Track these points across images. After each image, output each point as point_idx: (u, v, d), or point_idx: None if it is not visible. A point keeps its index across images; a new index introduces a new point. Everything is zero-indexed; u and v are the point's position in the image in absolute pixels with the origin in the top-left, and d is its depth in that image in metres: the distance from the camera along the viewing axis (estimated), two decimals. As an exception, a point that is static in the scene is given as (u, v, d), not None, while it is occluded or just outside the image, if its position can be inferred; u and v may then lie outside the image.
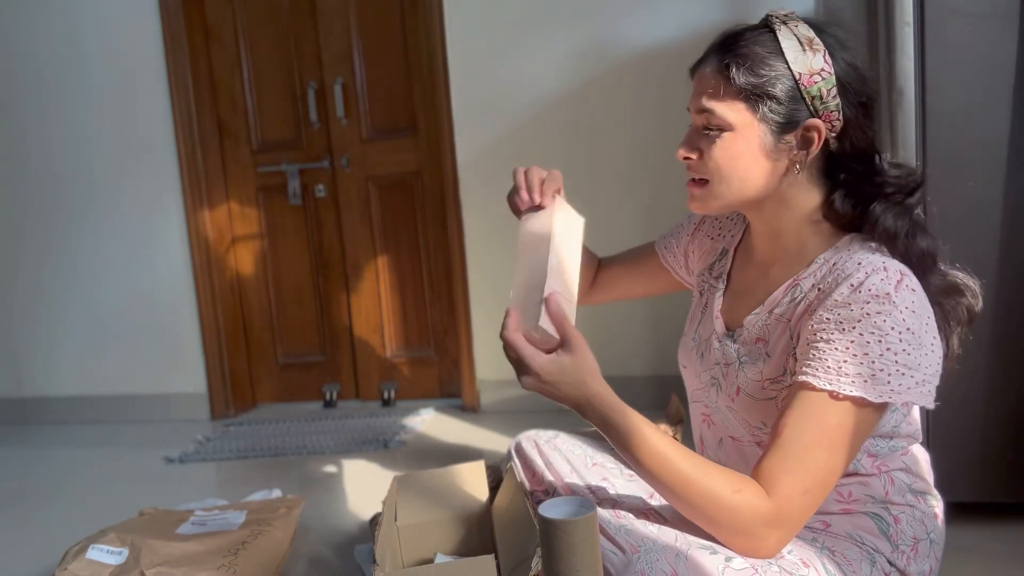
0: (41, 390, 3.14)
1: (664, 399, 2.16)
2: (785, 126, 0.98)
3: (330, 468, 2.31)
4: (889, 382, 0.90)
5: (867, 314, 0.91)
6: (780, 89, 0.97)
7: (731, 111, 0.99)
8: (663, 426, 1.73)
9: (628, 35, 2.51)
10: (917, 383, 0.92)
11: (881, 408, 0.94)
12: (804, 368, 0.93)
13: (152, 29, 2.83)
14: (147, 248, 2.97)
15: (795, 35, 0.99)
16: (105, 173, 2.95)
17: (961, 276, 1.04)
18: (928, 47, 1.43)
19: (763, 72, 0.97)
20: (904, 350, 0.90)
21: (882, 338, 0.90)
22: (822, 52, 0.98)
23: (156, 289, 2.98)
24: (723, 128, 0.99)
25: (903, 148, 1.46)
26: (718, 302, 1.16)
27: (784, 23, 1.00)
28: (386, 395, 3.00)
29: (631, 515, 1.07)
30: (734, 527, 0.91)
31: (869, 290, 0.92)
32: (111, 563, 1.45)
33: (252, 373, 3.12)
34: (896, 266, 0.94)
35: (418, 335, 2.99)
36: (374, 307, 3.00)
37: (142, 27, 2.84)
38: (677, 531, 1.01)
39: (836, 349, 0.92)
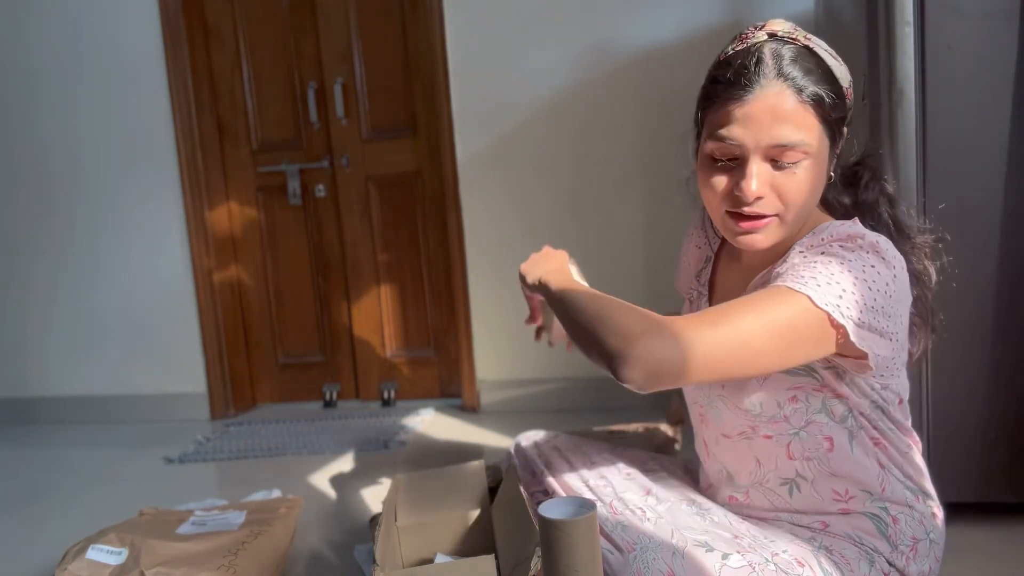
0: (41, 390, 3.14)
1: (664, 400, 2.16)
2: (838, 139, 0.99)
3: (330, 468, 2.31)
4: (841, 297, 0.88)
5: (830, 247, 0.93)
6: (842, 105, 0.97)
7: (814, 137, 0.94)
8: (663, 426, 1.73)
9: (628, 35, 2.51)
10: (862, 323, 0.89)
11: (829, 329, 0.90)
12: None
13: (152, 29, 2.83)
14: (147, 248, 2.97)
15: (824, 48, 0.98)
16: (105, 173, 2.95)
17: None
18: (928, 47, 1.43)
19: (831, 91, 0.95)
20: (863, 280, 0.89)
21: (843, 262, 0.91)
22: (840, 60, 1.00)
23: (156, 289, 2.98)
24: (805, 156, 0.94)
25: (903, 148, 1.46)
26: (704, 306, 1.17)
27: (806, 37, 0.98)
28: (386, 395, 3.00)
29: (628, 512, 1.08)
30: (616, 322, 0.88)
31: (833, 235, 0.94)
32: (111, 563, 1.45)
33: (252, 373, 3.12)
34: (867, 230, 0.96)
35: (418, 335, 2.99)
36: (374, 307, 3.00)
37: (142, 27, 2.84)
38: (673, 527, 1.01)
39: (797, 267, 0.92)
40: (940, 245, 1.09)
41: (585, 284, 1.15)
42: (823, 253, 0.93)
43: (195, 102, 2.88)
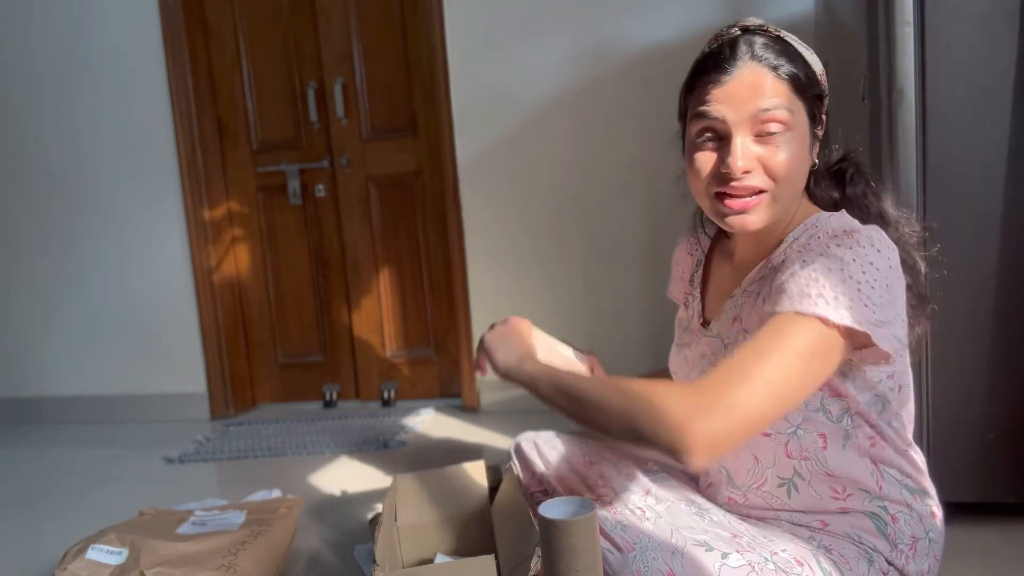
0: (40, 390, 3.14)
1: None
2: (818, 120, 1.03)
3: (330, 468, 2.31)
4: (850, 308, 0.89)
5: (827, 246, 0.94)
6: (817, 85, 1.02)
7: (794, 108, 0.98)
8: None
9: (628, 35, 2.51)
10: (877, 321, 0.90)
11: (845, 339, 0.91)
12: (772, 305, 0.93)
13: (152, 29, 2.83)
14: (147, 248, 2.97)
15: (795, 40, 1.03)
16: (105, 173, 2.96)
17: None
18: (928, 47, 1.43)
19: (806, 70, 1.00)
20: (867, 282, 0.91)
21: (844, 267, 0.91)
22: (812, 51, 1.04)
23: (156, 289, 2.99)
24: (786, 128, 0.97)
25: (903, 148, 1.46)
26: (697, 306, 1.19)
27: (777, 30, 1.02)
28: (386, 395, 3.00)
29: (627, 511, 1.08)
30: (655, 417, 0.85)
31: (827, 232, 0.97)
32: (111, 563, 1.45)
33: (252, 373, 3.12)
34: (859, 223, 0.99)
35: (418, 335, 2.99)
36: (374, 307, 3.00)
37: (142, 27, 2.84)
38: (673, 527, 1.01)
39: (800, 278, 0.92)
40: (927, 234, 1.12)
41: (563, 352, 1.22)
42: (821, 255, 0.93)
43: (195, 102, 2.88)
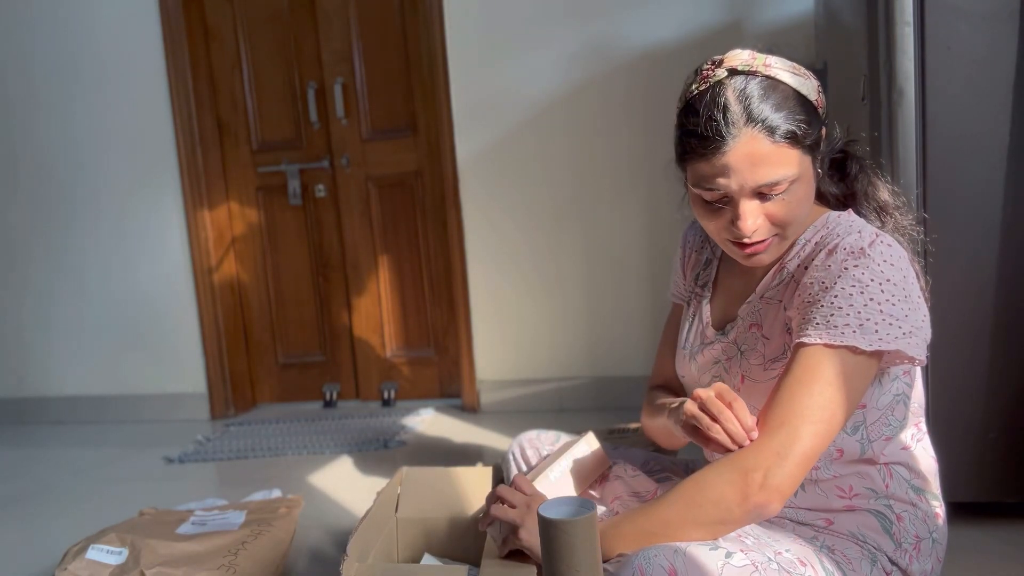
0: (40, 390, 3.14)
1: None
2: (818, 145, 1.01)
3: (330, 468, 2.31)
4: (877, 331, 0.92)
5: (845, 269, 0.95)
6: (810, 120, 0.98)
7: (793, 165, 0.96)
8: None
9: (628, 35, 2.51)
10: (905, 333, 0.93)
11: (875, 359, 0.95)
12: (798, 333, 0.97)
13: (152, 29, 2.83)
14: (147, 248, 2.97)
15: (783, 68, 0.99)
16: (105, 173, 2.96)
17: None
18: (928, 47, 1.43)
19: (796, 115, 0.96)
20: (887, 300, 0.93)
21: (864, 289, 0.93)
22: (803, 70, 1.01)
23: (156, 289, 2.99)
24: (790, 184, 0.96)
25: (903, 148, 1.46)
26: (706, 309, 1.17)
27: (764, 65, 0.98)
28: (386, 395, 3.00)
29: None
30: (727, 496, 0.91)
31: (844, 249, 0.96)
32: (111, 563, 1.45)
33: (252, 373, 3.12)
34: (871, 229, 0.99)
35: (418, 335, 2.99)
36: (374, 307, 3.00)
37: (142, 27, 2.84)
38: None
39: (823, 306, 0.95)
40: (916, 223, 1.12)
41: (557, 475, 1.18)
42: (840, 277, 0.94)
43: (195, 102, 2.88)
